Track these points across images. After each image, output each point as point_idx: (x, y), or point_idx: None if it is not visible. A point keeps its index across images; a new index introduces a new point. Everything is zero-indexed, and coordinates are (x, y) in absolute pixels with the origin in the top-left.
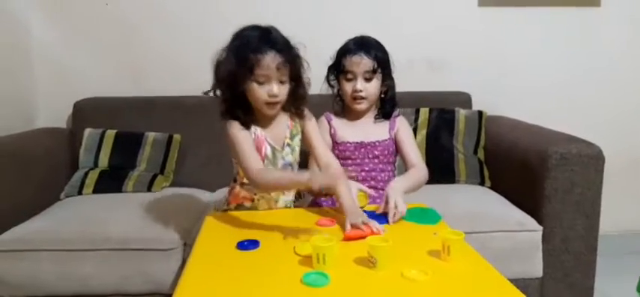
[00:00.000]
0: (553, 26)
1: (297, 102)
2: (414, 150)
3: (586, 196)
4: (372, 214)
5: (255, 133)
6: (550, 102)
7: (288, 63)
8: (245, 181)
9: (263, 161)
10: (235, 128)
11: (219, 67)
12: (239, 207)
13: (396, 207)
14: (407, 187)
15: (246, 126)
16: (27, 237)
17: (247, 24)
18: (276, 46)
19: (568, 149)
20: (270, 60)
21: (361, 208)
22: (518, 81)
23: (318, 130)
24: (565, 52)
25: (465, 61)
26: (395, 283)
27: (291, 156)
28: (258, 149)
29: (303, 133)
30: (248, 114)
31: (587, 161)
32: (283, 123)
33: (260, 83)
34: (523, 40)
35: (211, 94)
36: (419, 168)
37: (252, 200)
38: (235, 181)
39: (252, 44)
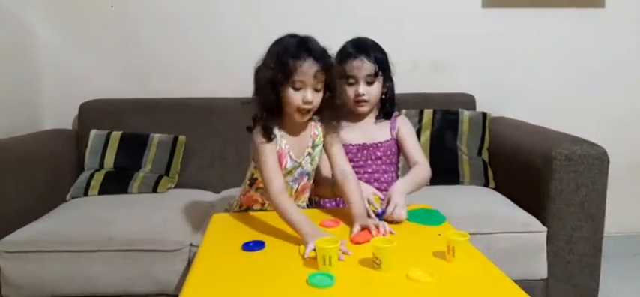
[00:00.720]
0: (557, 27)
1: (334, 111)
2: (416, 147)
3: (590, 198)
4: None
5: (279, 145)
6: (554, 103)
7: (324, 71)
8: (262, 185)
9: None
10: (264, 142)
11: (258, 72)
12: (248, 209)
13: (395, 206)
14: (410, 187)
15: (272, 135)
16: (33, 238)
17: (286, 33)
18: (313, 54)
19: (572, 150)
20: (308, 67)
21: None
22: (522, 82)
23: (338, 142)
24: (569, 53)
25: (468, 62)
26: (400, 284)
27: (310, 165)
28: (279, 161)
29: (324, 143)
30: (279, 120)
31: (592, 162)
32: (308, 133)
33: (296, 89)
34: (527, 41)
35: (249, 102)
36: (421, 165)
37: (263, 204)
38: (251, 185)
39: (291, 50)
